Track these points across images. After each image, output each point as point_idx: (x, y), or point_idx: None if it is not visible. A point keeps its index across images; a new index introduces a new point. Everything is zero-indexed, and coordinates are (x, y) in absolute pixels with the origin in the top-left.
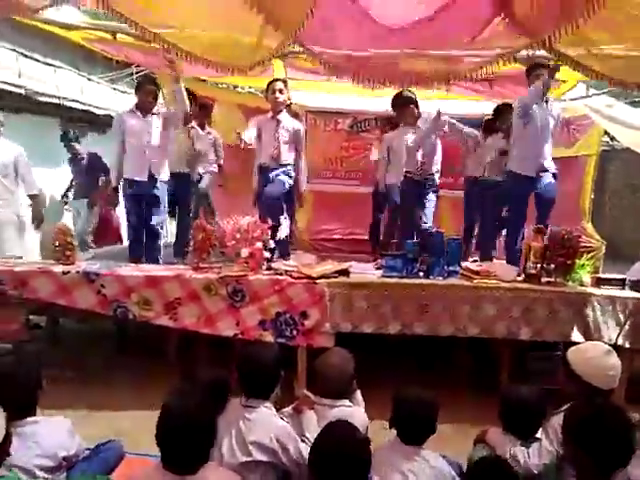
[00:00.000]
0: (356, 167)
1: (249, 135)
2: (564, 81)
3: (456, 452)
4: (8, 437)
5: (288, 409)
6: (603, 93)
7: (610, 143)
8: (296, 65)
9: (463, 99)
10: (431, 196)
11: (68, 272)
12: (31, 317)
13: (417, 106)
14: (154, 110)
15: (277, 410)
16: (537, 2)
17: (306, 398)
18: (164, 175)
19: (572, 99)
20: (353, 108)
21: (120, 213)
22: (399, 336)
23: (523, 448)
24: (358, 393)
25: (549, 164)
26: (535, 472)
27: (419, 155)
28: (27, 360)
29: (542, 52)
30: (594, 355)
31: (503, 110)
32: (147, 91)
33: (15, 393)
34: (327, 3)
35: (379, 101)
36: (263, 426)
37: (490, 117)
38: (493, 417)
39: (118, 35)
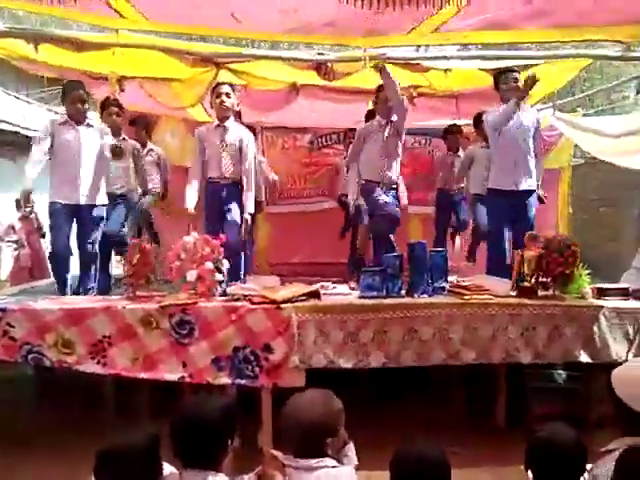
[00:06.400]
0: (321, 183)
1: (190, 200)
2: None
3: None
4: None
5: (251, 476)
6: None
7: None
8: None
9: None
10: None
11: None
12: None
13: None
14: (88, 120)
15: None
16: None
17: (274, 460)
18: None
19: (539, 109)
20: (312, 124)
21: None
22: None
23: None
24: (350, 447)
25: (532, 182)
26: None
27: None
28: None
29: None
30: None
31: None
32: (74, 97)
33: None
34: None
35: (339, 116)
36: None
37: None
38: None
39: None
